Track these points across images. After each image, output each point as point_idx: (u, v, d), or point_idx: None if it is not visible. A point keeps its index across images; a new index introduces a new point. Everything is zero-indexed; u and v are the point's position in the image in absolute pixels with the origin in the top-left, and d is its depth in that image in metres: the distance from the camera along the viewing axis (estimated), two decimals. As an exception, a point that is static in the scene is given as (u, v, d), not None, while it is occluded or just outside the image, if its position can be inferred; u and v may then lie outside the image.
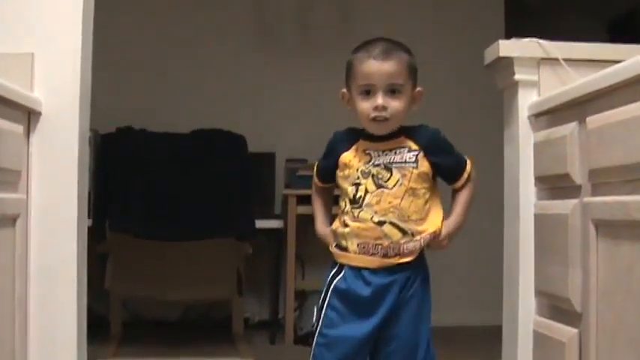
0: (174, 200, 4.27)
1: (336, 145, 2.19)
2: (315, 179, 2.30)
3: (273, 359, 4.43)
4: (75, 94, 2.44)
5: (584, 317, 2.10)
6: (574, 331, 2.16)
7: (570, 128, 2.21)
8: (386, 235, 2.08)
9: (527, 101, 2.56)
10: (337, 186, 2.19)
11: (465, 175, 2.21)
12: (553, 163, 2.32)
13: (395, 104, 2.09)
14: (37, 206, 2.40)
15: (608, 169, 1.96)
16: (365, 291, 2.10)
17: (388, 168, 2.10)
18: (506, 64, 2.58)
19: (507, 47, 2.56)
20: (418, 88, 2.18)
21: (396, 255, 2.10)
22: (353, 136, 2.17)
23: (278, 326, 4.96)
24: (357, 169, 2.11)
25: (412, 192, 2.09)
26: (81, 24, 2.46)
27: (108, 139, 4.16)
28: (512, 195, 2.62)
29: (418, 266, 2.19)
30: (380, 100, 2.07)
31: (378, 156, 2.11)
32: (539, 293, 2.46)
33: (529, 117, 2.55)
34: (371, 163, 2.11)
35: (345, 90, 2.18)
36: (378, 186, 2.08)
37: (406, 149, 2.12)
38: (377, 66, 2.07)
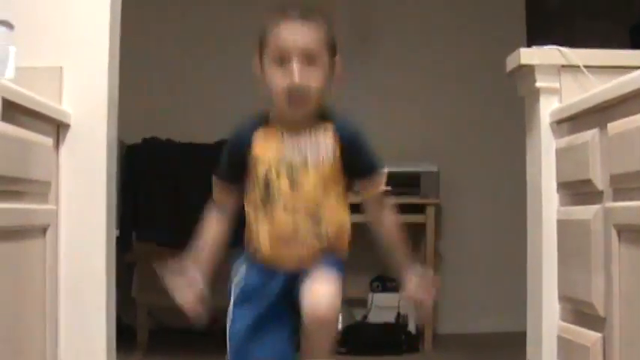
0: (199, 210, 4.30)
1: (243, 132, 2.01)
2: (215, 180, 2.12)
3: (299, 367, 4.45)
4: (103, 106, 2.50)
5: (608, 322, 2.12)
6: (598, 335, 2.18)
7: (592, 134, 2.23)
8: (300, 229, 1.95)
9: (548, 108, 2.58)
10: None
11: (380, 187, 2.06)
12: (575, 169, 2.34)
13: (314, 76, 1.88)
14: (67, 217, 2.45)
15: (629, 175, 1.98)
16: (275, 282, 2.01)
17: (304, 164, 1.94)
18: (527, 71, 2.60)
19: (528, 55, 2.58)
20: (337, 57, 1.96)
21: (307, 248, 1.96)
22: (263, 121, 1.99)
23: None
24: (270, 161, 1.95)
25: (326, 179, 1.94)
26: (108, 37, 2.52)
27: (133, 149, 4.22)
28: (535, 201, 2.64)
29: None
30: (296, 70, 1.85)
31: (293, 148, 1.95)
32: (563, 298, 2.47)
33: (551, 124, 2.57)
34: (284, 157, 1.94)
35: (257, 59, 1.97)
36: (291, 175, 1.94)
37: (322, 140, 1.95)
38: (293, 30, 1.88)
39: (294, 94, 1.87)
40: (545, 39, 2.64)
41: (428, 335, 4.99)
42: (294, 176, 1.94)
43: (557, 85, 2.57)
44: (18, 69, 2.30)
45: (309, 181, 1.94)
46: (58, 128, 2.44)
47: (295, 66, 1.86)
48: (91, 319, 2.47)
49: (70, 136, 2.47)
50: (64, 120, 2.43)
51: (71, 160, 2.47)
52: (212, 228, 2.12)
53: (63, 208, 2.44)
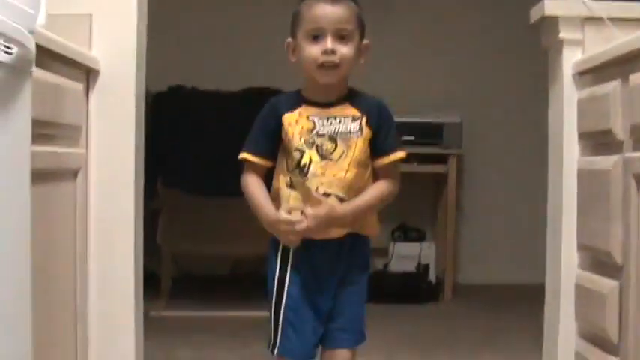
0: (225, 157, 4.36)
1: (277, 105, 2.09)
2: (249, 157, 2.10)
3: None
4: (132, 53, 2.54)
5: (625, 269, 2.16)
6: (614, 283, 2.22)
7: (613, 85, 2.26)
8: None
9: (571, 60, 2.60)
10: (283, 149, 2.08)
11: (393, 157, 2.08)
12: (596, 119, 2.37)
13: (344, 49, 2.00)
14: (97, 161, 2.51)
15: (649, 125, 2.01)
16: (320, 263, 2.07)
17: (333, 139, 2.02)
18: (551, 23, 2.62)
19: (552, 6, 2.59)
20: (366, 41, 2.08)
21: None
22: (295, 100, 2.08)
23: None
24: (301, 137, 2.03)
25: (357, 163, 2.03)
26: (137, -15, 2.55)
27: (160, 97, 4.28)
28: (557, 151, 2.67)
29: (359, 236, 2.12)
30: (329, 43, 1.98)
31: (322, 125, 2.03)
32: (582, 247, 2.52)
33: (573, 75, 2.59)
34: (315, 132, 2.03)
35: (289, 40, 2.09)
36: (323, 157, 2.02)
37: (350, 118, 2.04)
38: (326, 9, 2.00)
39: (327, 62, 1.99)
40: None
41: (448, 285, 5.07)
42: (325, 150, 2.02)
43: (580, 36, 2.59)
44: (48, 16, 2.33)
45: (338, 155, 2.02)
46: (87, 74, 2.49)
47: (329, 39, 1.99)
48: (121, 260, 2.53)
49: (99, 83, 2.51)
50: (94, 66, 2.47)
51: (100, 105, 2.51)
52: (259, 185, 2.11)
53: (92, 152, 2.50)
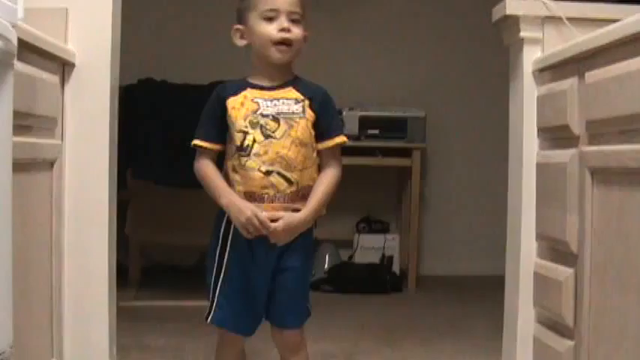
0: (193, 150, 4.43)
1: (222, 91, 2.21)
2: (199, 142, 2.23)
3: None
4: (106, 46, 2.60)
5: (580, 258, 2.26)
6: (570, 270, 2.33)
7: (570, 82, 2.36)
8: (272, 185, 2.13)
9: (531, 57, 2.69)
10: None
11: (336, 140, 2.20)
12: (554, 115, 2.47)
13: (297, 31, 2.15)
14: (72, 152, 2.57)
15: (604, 121, 2.11)
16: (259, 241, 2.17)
17: (276, 119, 2.13)
18: (512, 22, 2.72)
19: (513, 6, 2.68)
20: (306, 32, 2.21)
21: (284, 202, 2.15)
22: (241, 85, 2.20)
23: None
24: (245, 118, 2.13)
25: (299, 142, 2.14)
26: (112, -20, 2.61)
27: (130, 89, 4.32)
28: (517, 145, 2.77)
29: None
30: (285, 22, 2.13)
31: (267, 106, 2.14)
32: (540, 237, 2.62)
33: (533, 72, 2.69)
34: (259, 113, 2.13)
35: (238, 26, 2.23)
36: (266, 136, 2.12)
37: (293, 101, 2.16)
38: None
39: (283, 39, 2.14)
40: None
41: (411, 276, 5.16)
42: (267, 129, 2.13)
43: (540, 35, 2.68)
44: (25, 10, 2.38)
45: (281, 133, 2.13)
46: (63, 67, 2.54)
47: (284, 18, 2.14)
48: (94, 249, 2.59)
49: (74, 75, 2.57)
50: (70, 59, 2.53)
51: (76, 97, 2.57)
52: (213, 168, 2.23)
53: (68, 143, 2.55)
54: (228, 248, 2.21)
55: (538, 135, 2.66)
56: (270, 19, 2.15)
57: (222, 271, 2.21)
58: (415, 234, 5.19)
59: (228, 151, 2.21)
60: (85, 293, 2.59)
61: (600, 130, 2.16)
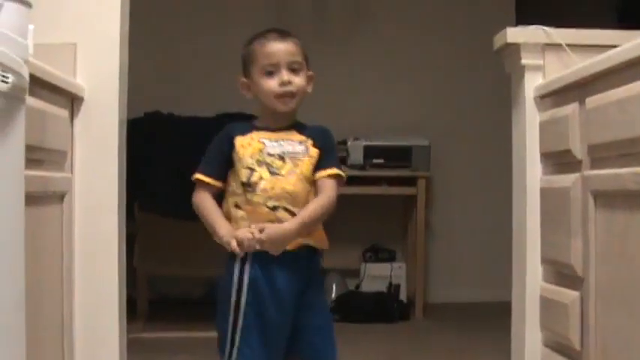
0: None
1: (230, 130, 2.24)
2: (201, 177, 2.23)
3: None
4: (114, 81, 2.65)
5: (585, 281, 2.29)
6: (576, 294, 2.35)
7: (572, 108, 2.39)
8: (279, 219, 2.12)
9: (533, 84, 2.73)
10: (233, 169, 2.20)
11: (330, 171, 2.22)
12: (556, 140, 2.51)
13: (298, 80, 2.18)
14: (81, 185, 2.60)
15: (605, 145, 2.15)
16: (279, 278, 2.15)
17: (281, 157, 2.17)
18: (513, 49, 2.76)
19: (514, 34, 2.73)
20: (310, 72, 2.26)
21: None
22: (248, 126, 2.24)
23: (298, 302, 5.14)
24: (252, 156, 2.16)
25: (304, 178, 2.17)
26: (119, 15, 2.66)
27: (137, 123, 4.36)
28: (520, 171, 2.80)
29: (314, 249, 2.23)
30: (285, 75, 2.17)
31: (272, 146, 2.18)
32: (545, 261, 2.64)
33: (535, 98, 2.73)
34: (265, 152, 2.16)
35: (243, 79, 2.26)
36: (272, 173, 2.15)
37: (297, 142, 2.20)
38: (278, 45, 2.19)
39: (285, 92, 2.18)
40: (533, 20, 2.79)
41: (419, 304, 5.16)
42: (274, 167, 2.16)
43: (541, 62, 2.73)
44: (35, 45, 2.43)
45: (287, 170, 2.16)
46: (72, 101, 2.58)
47: (284, 71, 2.18)
48: (105, 280, 2.62)
49: (83, 109, 2.61)
50: (79, 93, 2.57)
51: (85, 131, 2.61)
52: (212, 202, 2.23)
53: (77, 176, 2.59)
54: (244, 294, 2.16)
55: (541, 160, 2.70)
56: (270, 73, 2.19)
57: (241, 317, 2.16)
58: (422, 262, 5.20)
59: (229, 190, 2.22)
60: (95, 325, 2.62)
61: (602, 154, 2.19)
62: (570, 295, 2.38)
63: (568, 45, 2.68)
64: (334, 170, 2.23)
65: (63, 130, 2.47)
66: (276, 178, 2.15)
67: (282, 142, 2.20)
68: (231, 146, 2.21)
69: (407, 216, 5.54)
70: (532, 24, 2.75)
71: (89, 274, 2.61)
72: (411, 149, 5.17)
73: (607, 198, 2.15)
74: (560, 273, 2.51)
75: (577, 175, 2.35)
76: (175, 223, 4.53)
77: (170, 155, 4.41)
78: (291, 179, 2.16)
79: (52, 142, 2.34)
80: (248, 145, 2.19)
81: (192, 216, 4.58)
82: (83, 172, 2.61)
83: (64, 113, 2.49)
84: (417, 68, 5.74)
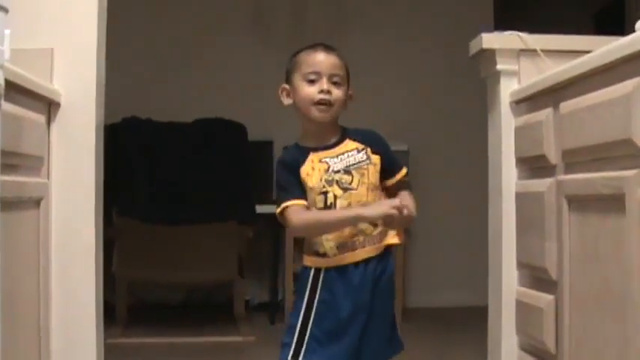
0: (179, 186, 4.46)
1: (290, 162, 2.23)
2: (291, 202, 2.19)
3: (273, 339, 4.59)
4: (91, 86, 2.65)
5: (559, 284, 2.31)
6: (550, 297, 2.37)
7: (546, 113, 2.42)
8: (361, 231, 2.19)
9: (508, 89, 2.76)
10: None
11: (403, 172, 2.32)
12: (531, 145, 2.53)
13: (337, 92, 2.22)
14: (58, 190, 2.59)
15: (578, 150, 2.17)
16: (354, 280, 2.20)
17: (348, 171, 2.20)
18: (488, 55, 2.78)
19: (489, 40, 2.75)
20: (350, 91, 2.30)
21: (374, 244, 2.21)
22: (303, 151, 2.24)
23: (278, 307, 5.16)
24: (321, 179, 2.19)
25: (373, 187, 2.22)
26: (96, 20, 2.66)
27: (114, 128, 4.36)
28: (496, 176, 2.82)
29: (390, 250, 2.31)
30: (325, 84, 2.20)
31: (335, 163, 2.20)
32: (521, 265, 2.66)
33: (510, 103, 2.75)
34: (331, 171, 2.19)
35: (284, 85, 2.28)
36: (344, 189, 2.18)
37: (355, 151, 2.24)
38: (323, 56, 2.24)
39: (323, 99, 2.20)
40: (511, 26, 2.81)
41: (397, 309, 5.17)
42: (344, 182, 2.19)
43: (516, 67, 2.75)
44: (11, 51, 2.42)
45: (356, 183, 2.20)
46: (49, 106, 2.58)
47: (325, 81, 2.22)
48: (81, 286, 2.61)
49: (60, 114, 2.61)
50: (56, 99, 2.57)
51: (62, 136, 2.60)
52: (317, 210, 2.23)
53: (54, 182, 2.58)
54: (319, 290, 2.19)
55: (516, 165, 2.72)
56: (312, 81, 2.22)
57: (312, 313, 2.19)
58: (400, 267, 5.20)
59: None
60: (73, 330, 2.61)
61: (575, 159, 2.21)
62: (545, 299, 2.40)
63: (543, 50, 2.71)
64: (404, 171, 2.32)
65: (39, 135, 2.46)
66: (349, 193, 2.18)
67: (342, 157, 2.22)
68: (298, 177, 2.21)
69: (386, 221, 5.55)
70: (510, 29, 2.77)
71: (66, 279, 2.60)
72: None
73: (580, 202, 2.17)
74: (535, 277, 2.53)
75: (551, 179, 2.37)
76: (154, 228, 4.54)
77: (148, 160, 4.41)
78: (362, 190, 2.19)
79: (29, 147, 2.34)
80: (312, 171, 2.20)
81: (171, 221, 4.60)
82: (60, 177, 2.60)
83: (41, 118, 2.48)
84: (395, 74, 5.77)
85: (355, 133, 2.29)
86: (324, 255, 2.20)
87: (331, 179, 2.19)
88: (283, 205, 2.19)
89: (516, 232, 2.69)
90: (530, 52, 2.73)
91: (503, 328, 2.72)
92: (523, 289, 2.64)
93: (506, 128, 2.75)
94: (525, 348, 2.63)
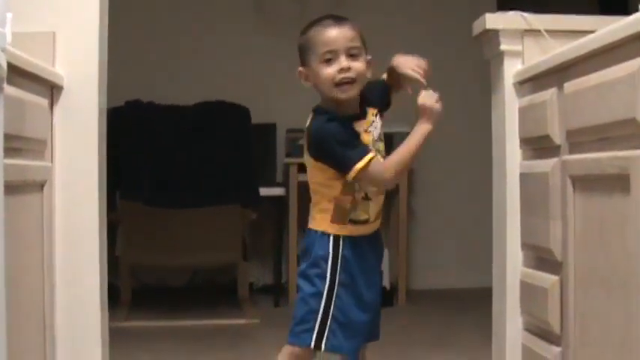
0: (182, 169, 4.47)
1: (340, 119, 2.17)
2: (367, 156, 2.15)
3: (277, 321, 4.61)
4: (93, 69, 2.64)
5: (564, 265, 2.31)
6: (555, 278, 2.37)
7: (550, 93, 2.41)
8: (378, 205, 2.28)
9: (512, 70, 2.74)
10: None
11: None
12: (535, 125, 2.52)
13: (357, 65, 2.15)
14: (61, 174, 2.59)
15: (583, 129, 2.16)
16: (370, 255, 2.27)
17: (381, 139, 2.26)
18: (492, 35, 2.77)
19: (493, 20, 2.74)
20: (369, 56, 2.24)
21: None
22: (345, 118, 2.19)
23: (281, 290, 5.17)
24: (371, 145, 2.20)
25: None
26: (99, 4, 2.65)
27: (117, 111, 4.36)
28: (500, 157, 2.81)
29: None
30: (344, 62, 2.13)
31: (373, 131, 2.23)
32: (525, 246, 2.66)
33: (514, 84, 2.74)
34: (372, 139, 2.22)
35: (301, 68, 2.22)
36: (383, 157, 2.23)
37: (377, 117, 2.27)
38: (335, 31, 2.14)
39: (345, 78, 2.14)
40: (514, 7, 2.79)
41: (401, 290, 5.19)
42: (381, 151, 2.24)
43: (520, 48, 2.73)
44: (13, 34, 2.41)
45: (384, 150, 2.24)
46: (52, 90, 2.57)
47: (343, 58, 2.14)
48: (85, 269, 2.61)
49: (63, 98, 2.60)
50: (58, 82, 2.56)
51: (65, 120, 2.60)
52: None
53: (57, 165, 2.58)
54: (338, 274, 2.18)
55: (520, 146, 2.71)
56: (329, 61, 2.14)
57: (334, 296, 2.18)
58: (404, 248, 5.22)
59: (338, 187, 2.21)
60: (77, 314, 2.61)
61: (580, 139, 2.20)
62: (550, 280, 2.39)
63: (547, 31, 2.69)
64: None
65: (42, 118, 2.46)
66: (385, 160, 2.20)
67: (375, 125, 2.24)
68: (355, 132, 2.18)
69: (390, 203, 5.55)
70: (513, 10, 2.76)
71: (70, 263, 2.60)
72: (392, 136, 5.15)
73: (585, 182, 2.16)
74: (540, 258, 2.53)
75: (556, 160, 2.36)
76: (157, 211, 4.55)
77: (151, 143, 4.41)
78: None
79: (32, 130, 2.33)
80: (364, 132, 2.20)
81: (174, 204, 4.61)
82: (63, 160, 2.60)
83: (44, 102, 2.47)
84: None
85: (369, 95, 2.26)
86: (365, 222, 2.22)
87: (376, 149, 2.21)
88: (366, 158, 2.13)
89: (521, 212, 2.68)
90: (534, 33, 2.71)
91: (507, 310, 2.72)
92: (527, 269, 2.64)
93: (509, 109, 2.74)
94: (530, 329, 2.63)
